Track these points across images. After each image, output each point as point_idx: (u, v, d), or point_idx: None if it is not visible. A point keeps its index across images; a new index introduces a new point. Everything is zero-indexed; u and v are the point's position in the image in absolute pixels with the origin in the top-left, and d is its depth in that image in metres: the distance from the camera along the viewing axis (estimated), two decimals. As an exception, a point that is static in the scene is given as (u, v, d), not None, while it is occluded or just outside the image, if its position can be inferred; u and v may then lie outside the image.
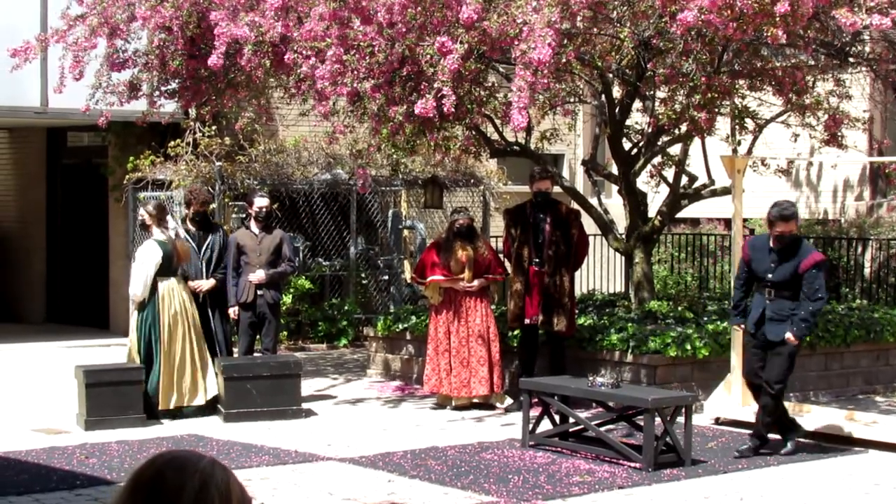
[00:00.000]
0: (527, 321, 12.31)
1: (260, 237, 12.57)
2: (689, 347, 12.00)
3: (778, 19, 9.47)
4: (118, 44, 12.76)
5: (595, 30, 11.48)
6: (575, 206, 13.50)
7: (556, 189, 13.22)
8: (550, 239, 12.27)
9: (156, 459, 2.46)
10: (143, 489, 2.41)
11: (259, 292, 12.49)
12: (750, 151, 14.03)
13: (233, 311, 12.65)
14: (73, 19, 12.68)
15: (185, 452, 2.48)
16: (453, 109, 10.43)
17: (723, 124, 13.77)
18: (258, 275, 12.42)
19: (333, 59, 10.87)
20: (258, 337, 12.94)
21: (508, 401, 12.51)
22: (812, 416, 11.28)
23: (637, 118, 14.85)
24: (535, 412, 10.61)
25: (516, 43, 9.96)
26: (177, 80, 13.25)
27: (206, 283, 12.19)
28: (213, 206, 16.33)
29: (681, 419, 9.87)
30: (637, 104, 13.99)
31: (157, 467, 2.43)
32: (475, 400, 12.42)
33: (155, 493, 2.39)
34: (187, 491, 2.39)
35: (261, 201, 12.67)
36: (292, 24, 11.38)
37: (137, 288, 11.67)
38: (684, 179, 14.49)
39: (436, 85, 10.33)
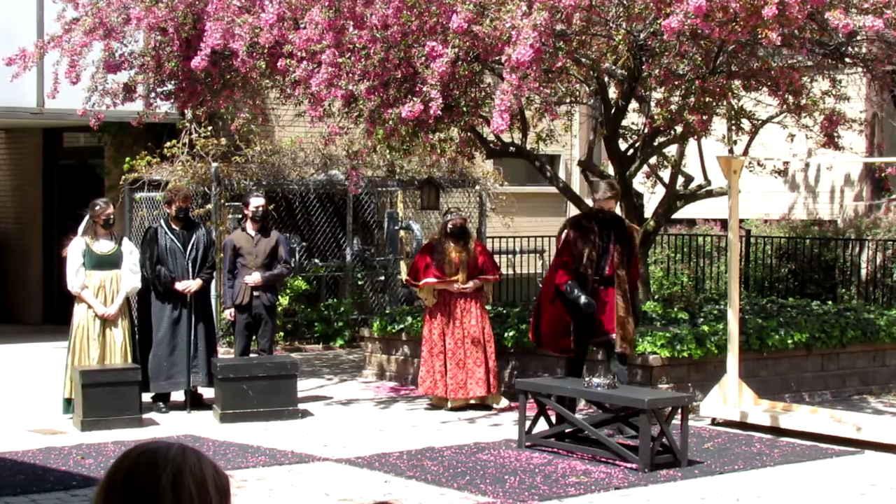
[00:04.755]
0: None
1: (256, 239, 12.57)
2: (683, 348, 12.01)
3: (771, 22, 9.47)
4: (114, 45, 12.76)
5: (591, 30, 11.48)
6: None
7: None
8: (614, 256, 11.16)
9: (126, 456, 2.44)
10: (118, 489, 2.40)
11: (255, 294, 12.50)
12: (746, 152, 14.05)
13: (229, 313, 12.67)
14: (68, 22, 12.68)
15: (154, 444, 2.46)
16: (439, 113, 10.45)
17: (719, 125, 13.78)
18: (254, 277, 12.42)
19: (328, 62, 10.88)
20: (254, 338, 12.95)
21: (504, 402, 12.51)
22: (808, 417, 11.29)
23: (633, 119, 14.87)
24: (531, 413, 10.61)
25: (507, 48, 9.98)
26: (173, 82, 13.26)
27: (193, 284, 12.17)
28: (208, 206, 16.35)
29: (677, 420, 9.88)
30: (633, 105, 14.00)
31: (129, 465, 2.42)
32: (472, 401, 12.43)
33: (131, 492, 2.38)
34: (162, 484, 2.38)
35: (257, 201, 12.67)
36: (288, 28, 11.38)
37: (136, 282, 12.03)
38: (680, 180, 14.51)
39: (424, 88, 10.36)
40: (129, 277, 11.89)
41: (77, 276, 11.79)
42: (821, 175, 18.74)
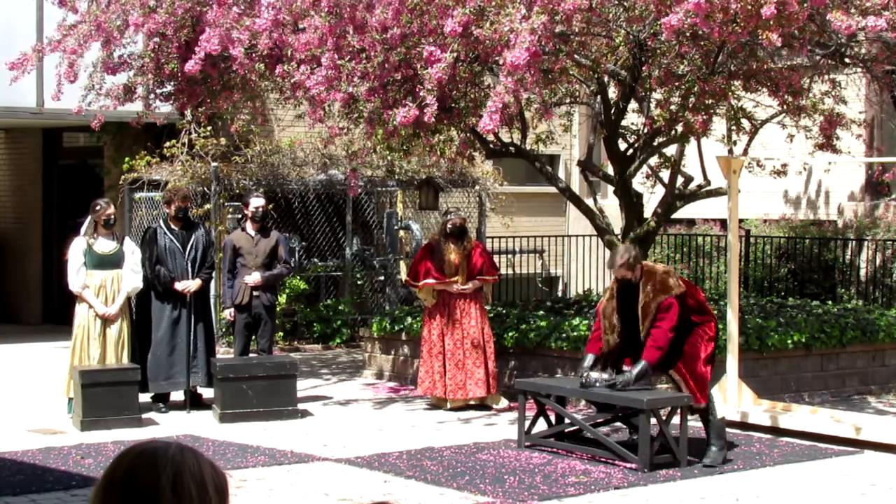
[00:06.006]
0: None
1: (256, 239, 12.57)
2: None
3: (771, 22, 9.47)
4: (115, 48, 12.74)
5: (591, 31, 11.48)
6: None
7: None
8: (644, 326, 9.85)
9: (124, 456, 2.43)
10: (116, 489, 2.39)
11: (255, 294, 12.50)
12: (746, 152, 14.04)
13: (228, 313, 12.67)
14: (68, 28, 12.67)
15: (152, 444, 2.45)
16: (433, 119, 10.43)
17: (719, 125, 13.77)
18: (254, 277, 12.43)
19: (328, 64, 10.88)
20: (254, 338, 12.95)
21: (504, 402, 12.51)
22: (808, 417, 11.29)
23: (633, 119, 14.86)
24: (530, 413, 10.61)
25: (505, 51, 9.98)
26: (172, 83, 13.26)
27: (193, 284, 12.17)
28: (208, 205, 16.35)
29: (676, 420, 9.88)
30: (633, 105, 13.99)
31: (127, 464, 2.40)
32: (471, 402, 12.43)
33: (130, 492, 2.37)
34: (162, 484, 2.36)
35: (257, 201, 12.68)
36: (287, 33, 11.37)
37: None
38: (680, 180, 14.50)
39: (421, 93, 10.36)
40: (131, 277, 11.90)
41: (78, 276, 11.80)
42: (820, 175, 18.73)
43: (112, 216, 12.00)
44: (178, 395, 12.38)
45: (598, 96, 13.90)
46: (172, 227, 12.32)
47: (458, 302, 12.40)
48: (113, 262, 11.90)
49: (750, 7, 9.47)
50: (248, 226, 12.68)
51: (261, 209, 12.63)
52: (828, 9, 10.09)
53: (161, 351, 12.10)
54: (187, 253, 12.23)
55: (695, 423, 10.77)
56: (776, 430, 11.09)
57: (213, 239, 12.87)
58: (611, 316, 10.06)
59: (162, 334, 12.13)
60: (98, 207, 11.98)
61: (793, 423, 11.09)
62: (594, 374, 10.13)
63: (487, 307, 12.96)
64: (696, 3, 9.33)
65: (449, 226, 12.50)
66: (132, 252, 12.04)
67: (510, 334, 12.96)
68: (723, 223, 16.20)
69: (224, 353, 14.88)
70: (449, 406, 12.39)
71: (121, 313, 11.85)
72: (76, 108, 12.83)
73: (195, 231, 12.44)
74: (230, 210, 16.53)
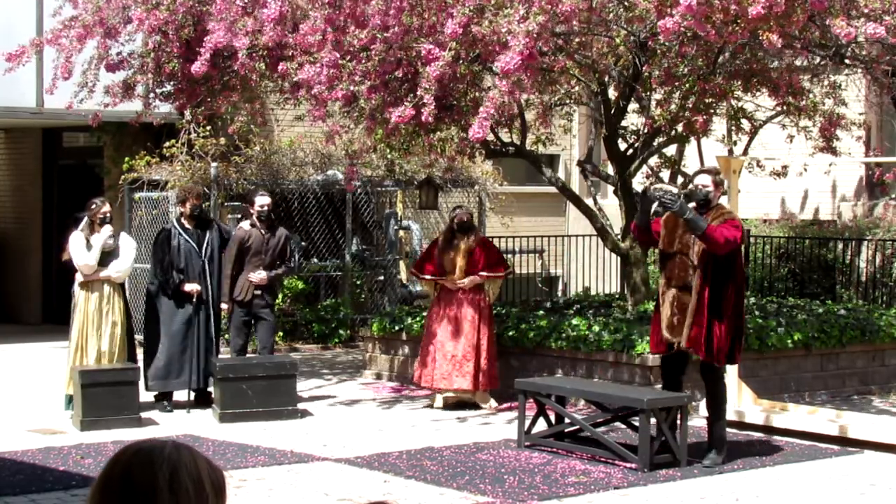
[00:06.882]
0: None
1: (266, 236, 12.53)
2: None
3: (772, 23, 9.47)
4: (109, 43, 12.73)
5: (591, 31, 11.48)
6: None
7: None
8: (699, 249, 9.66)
9: (121, 456, 2.43)
10: (114, 489, 2.39)
11: (256, 292, 12.47)
12: (746, 152, 14.05)
13: (225, 306, 12.59)
14: (67, 20, 12.67)
15: (148, 443, 2.45)
16: (430, 119, 10.42)
17: (719, 125, 13.78)
18: (259, 275, 12.39)
19: (329, 63, 10.88)
20: (253, 338, 12.93)
21: (493, 402, 12.51)
22: (807, 417, 11.29)
23: (633, 119, 14.87)
24: (530, 413, 10.61)
25: (503, 53, 9.98)
26: (172, 83, 13.26)
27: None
28: (208, 203, 16.35)
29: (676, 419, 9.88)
30: (633, 105, 14.00)
31: (124, 464, 2.40)
32: (464, 397, 12.42)
33: (127, 491, 2.37)
34: (159, 483, 2.37)
35: (262, 199, 12.63)
36: (289, 30, 11.38)
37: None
38: (680, 180, 14.50)
39: (418, 92, 10.36)
40: (118, 263, 11.87)
41: (89, 255, 11.78)
42: (820, 176, 18.73)
43: (107, 214, 11.99)
44: (180, 395, 12.37)
45: (598, 96, 13.91)
46: (186, 226, 12.30)
47: (456, 297, 12.47)
48: (112, 259, 11.92)
49: (749, 7, 9.47)
50: (258, 224, 12.61)
51: (266, 207, 12.59)
52: (828, 13, 10.10)
53: (172, 349, 12.09)
54: (203, 252, 12.24)
55: (694, 424, 10.77)
56: (775, 430, 11.08)
57: (225, 235, 12.77)
58: (679, 232, 9.77)
59: (174, 333, 12.11)
60: (93, 206, 12.01)
61: (792, 422, 11.08)
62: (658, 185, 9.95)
63: (492, 302, 12.94)
64: (686, 5, 9.31)
65: (456, 221, 12.60)
66: (127, 245, 12.05)
67: (510, 334, 12.96)
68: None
69: (227, 352, 14.87)
70: (440, 400, 12.40)
71: (116, 299, 11.89)
72: (67, 104, 12.81)
73: (209, 230, 12.44)
74: (229, 210, 16.53)
